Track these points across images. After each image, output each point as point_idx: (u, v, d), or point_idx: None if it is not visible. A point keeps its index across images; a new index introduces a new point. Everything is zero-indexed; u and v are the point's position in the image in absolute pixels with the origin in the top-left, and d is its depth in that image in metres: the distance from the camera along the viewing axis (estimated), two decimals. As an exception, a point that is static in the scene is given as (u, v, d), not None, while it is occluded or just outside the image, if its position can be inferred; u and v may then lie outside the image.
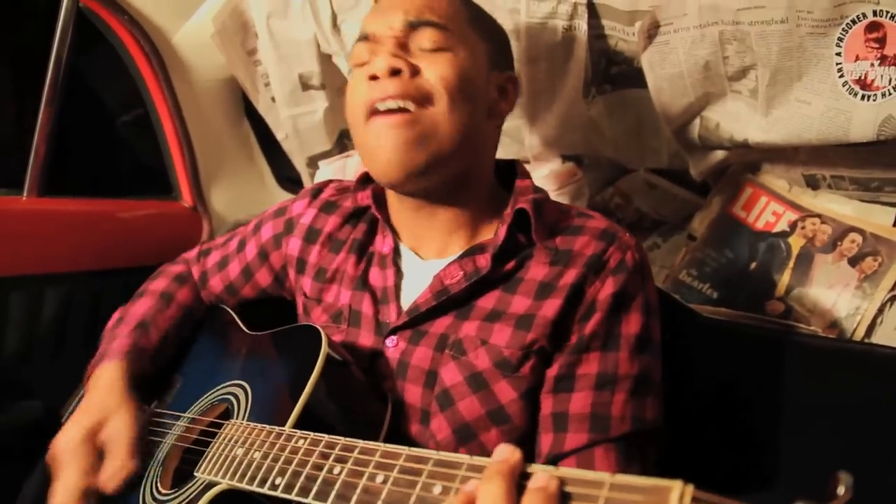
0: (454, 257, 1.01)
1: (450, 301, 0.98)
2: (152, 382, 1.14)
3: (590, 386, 0.92)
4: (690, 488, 0.47)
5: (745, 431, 1.11)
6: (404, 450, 0.68)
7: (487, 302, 0.97)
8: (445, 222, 1.03)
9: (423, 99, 0.94)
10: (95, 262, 1.71)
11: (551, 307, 0.93)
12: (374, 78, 0.95)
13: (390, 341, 1.00)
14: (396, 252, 1.07)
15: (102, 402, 1.01)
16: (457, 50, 0.97)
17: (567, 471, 0.55)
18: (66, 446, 0.97)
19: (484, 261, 0.97)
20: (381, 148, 0.94)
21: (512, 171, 1.09)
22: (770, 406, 1.08)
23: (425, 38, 0.97)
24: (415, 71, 0.95)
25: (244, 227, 1.27)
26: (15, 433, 1.54)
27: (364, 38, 1.01)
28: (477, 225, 1.04)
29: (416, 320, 0.99)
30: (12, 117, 2.03)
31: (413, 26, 0.97)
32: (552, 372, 0.93)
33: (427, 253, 1.05)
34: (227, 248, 1.27)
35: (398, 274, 1.05)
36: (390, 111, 0.94)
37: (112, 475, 0.96)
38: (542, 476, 0.56)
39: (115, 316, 1.21)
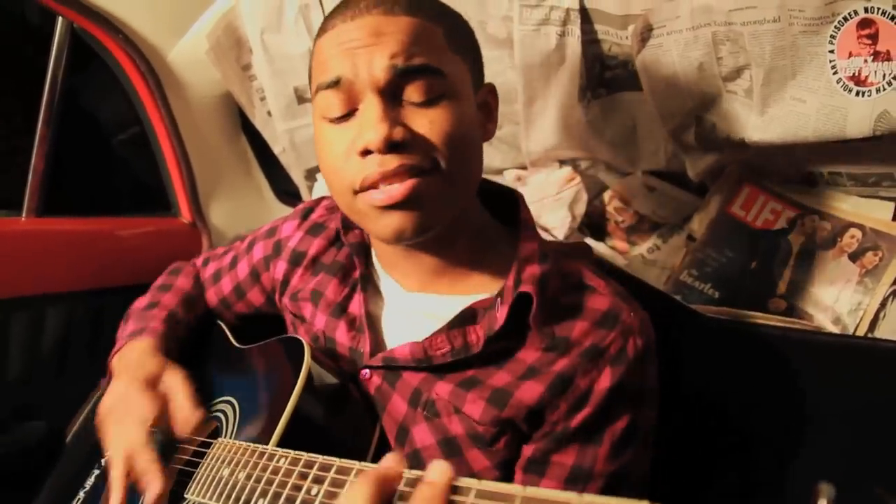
0: (441, 298, 0.95)
1: (428, 368, 0.91)
2: None
3: (561, 477, 0.86)
4: None
5: (751, 432, 1.11)
6: (380, 468, 0.66)
7: (468, 368, 0.90)
8: (433, 262, 0.94)
9: (432, 162, 0.82)
10: (96, 281, 1.71)
11: (530, 392, 0.85)
12: (366, 153, 0.81)
13: (364, 374, 0.96)
14: (376, 275, 1.02)
15: (148, 363, 1.01)
16: (450, 93, 0.84)
17: (536, 491, 0.54)
18: (123, 397, 0.95)
19: (475, 338, 0.89)
20: (387, 222, 0.83)
21: (509, 204, 0.99)
22: (775, 404, 1.08)
23: (418, 90, 0.82)
24: (414, 136, 0.81)
25: (240, 242, 1.26)
26: (19, 454, 1.54)
27: (334, 83, 0.83)
28: (469, 265, 0.95)
29: (390, 367, 0.94)
30: (9, 138, 2.04)
31: (403, 75, 0.81)
32: (527, 451, 0.88)
33: (410, 285, 0.98)
34: (222, 261, 1.26)
35: (375, 300, 1.00)
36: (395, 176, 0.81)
37: (182, 423, 0.94)
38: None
39: (145, 300, 1.20)
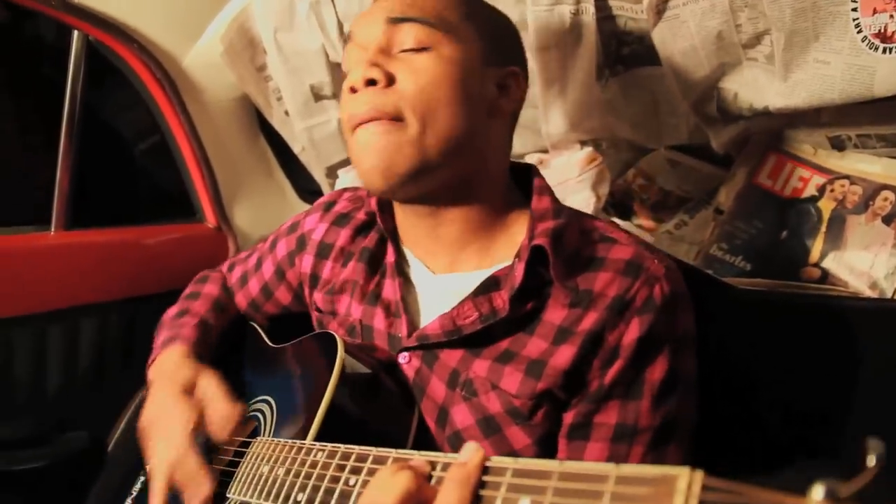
0: (468, 276, 0.96)
1: (460, 340, 0.92)
2: None
3: (606, 437, 0.86)
4: (699, 475, 0.44)
5: (792, 399, 1.10)
6: (414, 454, 0.67)
7: (501, 339, 0.91)
8: (453, 234, 0.97)
9: (400, 111, 0.88)
10: (126, 290, 1.74)
11: (564, 356, 0.86)
12: (353, 90, 0.90)
13: (403, 357, 0.97)
14: (405, 263, 1.03)
15: (183, 371, 1.02)
16: (440, 48, 0.90)
17: (572, 465, 0.53)
18: (162, 407, 0.97)
19: (501, 301, 0.90)
20: (363, 156, 0.90)
21: (527, 177, 1.01)
22: (815, 371, 1.06)
23: (407, 36, 0.91)
24: (391, 79, 0.89)
25: (263, 242, 1.27)
26: (62, 465, 1.56)
27: (349, 38, 0.97)
28: (491, 237, 0.97)
29: (426, 346, 0.95)
30: (33, 155, 2.06)
31: (395, 22, 0.91)
32: (568, 418, 0.88)
33: (437, 266, 1.00)
34: (247, 264, 1.26)
35: (407, 286, 1.01)
36: (371, 119, 0.89)
37: (222, 424, 0.95)
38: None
39: (175, 309, 1.21)
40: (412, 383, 0.96)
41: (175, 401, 0.97)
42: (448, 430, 0.91)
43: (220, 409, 0.97)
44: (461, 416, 0.90)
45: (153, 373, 1.06)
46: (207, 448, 0.97)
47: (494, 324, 0.90)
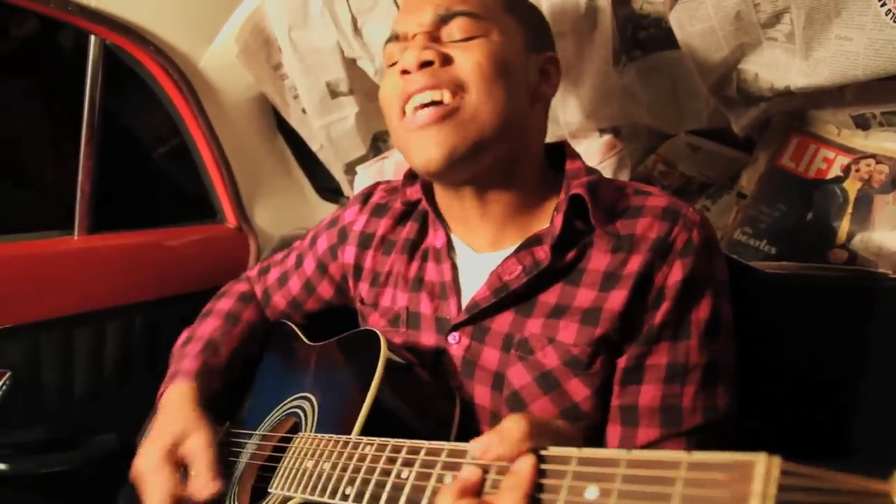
0: (510, 250, 0.98)
1: (510, 297, 0.95)
2: (223, 401, 1.15)
3: (659, 378, 0.89)
4: (777, 461, 0.43)
5: (821, 385, 1.08)
6: (470, 446, 0.66)
7: (550, 296, 0.94)
8: (497, 212, 1.00)
9: (458, 87, 0.91)
10: (150, 292, 1.75)
11: (618, 299, 0.89)
12: (405, 73, 0.93)
13: (452, 338, 0.99)
14: (450, 245, 1.05)
15: (177, 422, 1.02)
16: (490, 35, 0.94)
17: (641, 453, 0.53)
18: (148, 464, 0.98)
19: (543, 253, 0.94)
20: (420, 143, 0.92)
21: (560, 153, 1.05)
22: (846, 354, 1.04)
23: (456, 29, 0.94)
24: (446, 60, 0.93)
25: (301, 241, 1.28)
26: (92, 467, 1.58)
27: (394, 37, 0.99)
28: (531, 214, 1.01)
29: (477, 317, 0.97)
30: (55, 160, 2.09)
31: (444, 19, 0.95)
32: (622, 363, 0.91)
33: (480, 246, 1.02)
34: (286, 264, 1.28)
35: (454, 268, 1.03)
36: (424, 105, 0.91)
37: (199, 489, 0.96)
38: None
39: (184, 335, 1.22)
40: (462, 362, 0.97)
41: (160, 465, 0.97)
42: (506, 391, 0.93)
43: (200, 477, 0.97)
44: (518, 375, 0.93)
45: (160, 407, 1.08)
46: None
47: (540, 279, 0.93)
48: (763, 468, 0.43)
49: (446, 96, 0.90)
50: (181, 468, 0.98)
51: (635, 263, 0.90)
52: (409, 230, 1.10)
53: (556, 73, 1.04)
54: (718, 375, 0.90)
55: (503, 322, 0.95)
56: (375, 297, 1.11)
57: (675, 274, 0.89)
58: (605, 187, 0.98)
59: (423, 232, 1.09)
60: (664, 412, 0.88)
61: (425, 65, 0.92)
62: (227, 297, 1.28)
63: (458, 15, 0.94)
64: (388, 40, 1.01)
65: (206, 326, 1.21)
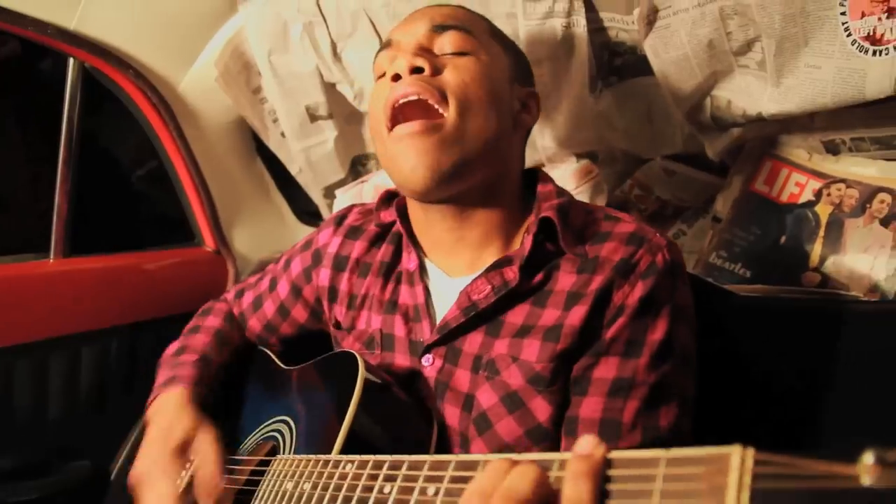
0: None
1: (479, 317, 0.95)
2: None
3: (603, 391, 0.88)
4: (751, 451, 0.45)
5: (799, 406, 1.09)
6: (452, 458, 0.66)
7: (517, 317, 0.94)
8: (475, 237, 1.00)
9: (444, 98, 0.92)
10: (127, 316, 1.73)
11: (578, 314, 0.90)
12: (396, 78, 0.94)
13: (426, 360, 0.99)
14: (423, 269, 1.05)
15: (182, 420, 1.02)
16: (480, 54, 0.97)
17: (620, 453, 0.54)
18: (156, 464, 0.97)
19: (511, 273, 0.94)
20: (405, 156, 0.92)
21: (534, 178, 1.06)
22: (821, 376, 1.06)
23: (449, 42, 0.97)
24: (437, 70, 0.94)
25: (274, 264, 1.27)
26: (65, 494, 1.55)
27: (387, 45, 1.01)
28: (506, 238, 1.02)
29: (448, 337, 0.97)
30: (31, 183, 2.07)
31: (437, 30, 0.97)
32: (572, 373, 0.91)
33: (456, 270, 1.03)
34: (259, 287, 1.27)
35: (426, 291, 1.04)
36: (411, 105, 0.92)
37: (209, 490, 0.96)
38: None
39: (175, 346, 1.21)
40: (435, 384, 0.97)
41: (169, 462, 0.97)
42: (474, 413, 0.93)
43: (208, 475, 0.97)
44: (485, 396, 0.93)
45: (151, 413, 1.07)
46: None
47: (507, 299, 0.94)
48: (738, 459, 0.45)
49: (433, 101, 0.91)
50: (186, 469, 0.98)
51: (597, 282, 0.91)
52: (383, 253, 1.10)
53: (535, 107, 1.06)
54: (665, 397, 0.89)
55: (473, 343, 0.96)
56: (352, 320, 1.10)
57: (635, 293, 0.89)
58: (575, 210, 0.99)
59: (397, 254, 1.09)
60: (603, 425, 0.87)
61: (416, 70, 0.93)
62: (214, 316, 1.27)
63: (452, 28, 0.97)
64: (381, 48, 1.02)
65: (198, 341, 1.20)
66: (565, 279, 0.93)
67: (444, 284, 1.03)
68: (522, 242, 0.96)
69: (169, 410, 1.04)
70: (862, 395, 1.02)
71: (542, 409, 0.90)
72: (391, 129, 0.94)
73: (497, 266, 0.97)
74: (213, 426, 1.02)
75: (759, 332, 1.14)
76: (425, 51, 0.96)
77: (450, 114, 0.92)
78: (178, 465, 0.97)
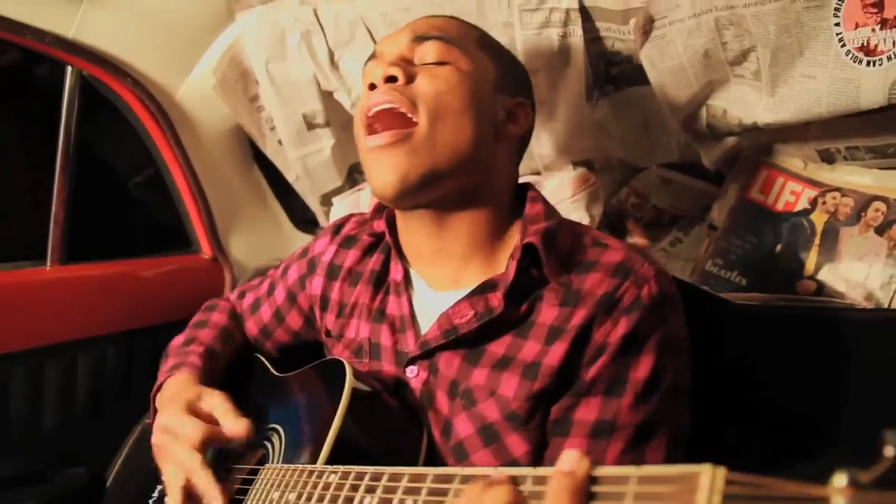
0: (469, 289, 0.97)
1: (458, 341, 0.94)
2: None
3: (584, 433, 0.86)
4: (722, 471, 0.45)
5: (794, 414, 1.09)
6: (431, 470, 0.67)
7: (498, 347, 0.92)
8: (459, 249, 1.00)
9: (413, 103, 0.93)
10: (123, 323, 1.73)
11: (556, 354, 0.87)
12: (372, 87, 0.96)
13: (410, 371, 0.98)
14: (407, 280, 1.05)
15: (190, 390, 1.01)
16: (459, 63, 0.97)
17: (599, 470, 0.53)
18: (172, 424, 0.96)
19: (496, 300, 0.92)
20: (375, 166, 0.94)
21: (524, 194, 1.04)
22: (816, 384, 1.06)
23: (429, 51, 0.98)
24: (410, 78, 0.96)
25: (275, 269, 1.28)
26: (63, 501, 1.55)
27: (372, 56, 1.03)
28: (493, 255, 1.00)
29: (428, 354, 0.97)
30: (28, 190, 2.07)
31: (419, 40, 0.99)
32: (552, 414, 0.89)
33: (441, 283, 1.02)
34: (259, 290, 1.28)
35: (410, 302, 1.03)
36: (385, 113, 0.93)
37: (236, 431, 0.95)
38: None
39: (183, 336, 1.22)
40: (420, 396, 0.97)
41: (182, 417, 0.96)
42: (452, 440, 0.92)
43: (229, 420, 0.96)
44: (462, 426, 0.92)
45: (159, 398, 1.06)
46: (217, 463, 0.97)
47: (490, 327, 0.92)
48: (708, 479, 0.45)
49: (404, 108, 0.93)
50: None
51: (578, 318, 0.88)
52: (375, 262, 1.10)
53: (524, 117, 1.05)
54: (651, 435, 0.87)
55: (451, 366, 0.94)
56: (341, 328, 1.11)
57: (618, 330, 0.86)
58: (563, 234, 0.97)
59: (387, 264, 1.09)
60: None
61: (390, 79, 0.95)
62: (219, 313, 1.28)
63: (433, 38, 0.98)
64: (368, 59, 1.04)
65: (205, 334, 1.20)
66: (548, 312, 0.91)
67: (428, 297, 1.02)
68: (507, 267, 0.94)
69: (176, 388, 1.04)
70: (857, 402, 1.02)
71: (517, 445, 0.89)
72: (367, 135, 0.96)
73: (481, 290, 0.95)
74: (222, 392, 1.01)
75: (754, 339, 1.15)
76: (404, 60, 0.98)
77: (420, 122, 0.93)
78: (194, 421, 0.95)
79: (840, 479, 0.39)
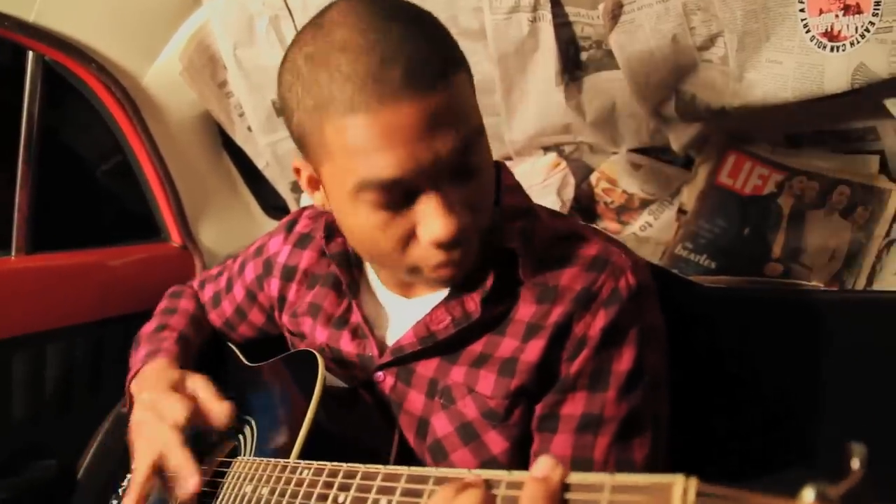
0: (441, 295, 0.93)
1: (436, 346, 0.92)
2: None
3: (572, 428, 0.86)
4: (694, 482, 0.45)
5: (758, 396, 1.11)
6: (405, 470, 0.67)
7: (476, 345, 0.91)
8: None
9: (478, 232, 0.85)
10: (93, 313, 1.71)
11: (534, 350, 0.86)
12: (438, 245, 0.80)
13: (378, 376, 0.96)
14: (367, 284, 1.03)
15: (170, 373, 0.99)
16: (483, 139, 0.84)
17: (573, 476, 0.53)
18: (151, 403, 0.93)
19: (473, 304, 0.89)
20: (426, 280, 0.87)
21: (497, 175, 0.95)
22: (781, 366, 1.08)
23: (472, 158, 0.80)
24: (468, 218, 0.81)
25: (232, 261, 1.25)
26: (31, 495, 1.53)
27: (391, 185, 0.76)
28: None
29: (401, 360, 0.94)
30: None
31: (464, 150, 0.77)
32: (538, 410, 0.88)
33: (411, 293, 0.98)
34: (218, 284, 1.25)
35: (376, 307, 1.00)
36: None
37: (218, 411, 0.92)
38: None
39: (153, 324, 1.19)
40: (389, 401, 0.96)
41: (164, 396, 0.93)
42: (429, 439, 0.91)
43: (212, 400, 0.93)
44: (440, 424, 0.90)
45: (136, 385, 1.03)
46: (196, 443, 0.94)
47: (468, 328, 0.90)
48: (680, 490, 0.45)
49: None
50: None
51: (556, 314, 0.87)
52: (334, 264, 1.05)
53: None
54: (637, 428, 0.87)
55: (428, 367, 0.93)
56: (298, 327, 1.08)
57: (597, 323, 0.85)
58: (540, 231, 0.94)
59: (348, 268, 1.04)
60: (574, 463, 0.85)
61: (460, 242, 0.81)
62: (187, 299, 1.25)
63: (475, 136, 0.80)
64: (375, 184, 0.77)
65: (178, 321, 1.18)
66: (525, 309, 0.89)
67: (398, 304, 0.99)
68: (485, 270, 0.88)
69: (155, 373, 1.01)
70: (822, 383, 1.04)
71: (496, 442, 0.88)
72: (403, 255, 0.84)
73: (457, 293, 0.92)
74: (203, 374, 0.99)
75: (721, 321, 1.17)
76: (454, 211, 0.79)
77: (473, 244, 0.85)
78: (174, 399, 0.92)
79: (809, 494, 0.39)
